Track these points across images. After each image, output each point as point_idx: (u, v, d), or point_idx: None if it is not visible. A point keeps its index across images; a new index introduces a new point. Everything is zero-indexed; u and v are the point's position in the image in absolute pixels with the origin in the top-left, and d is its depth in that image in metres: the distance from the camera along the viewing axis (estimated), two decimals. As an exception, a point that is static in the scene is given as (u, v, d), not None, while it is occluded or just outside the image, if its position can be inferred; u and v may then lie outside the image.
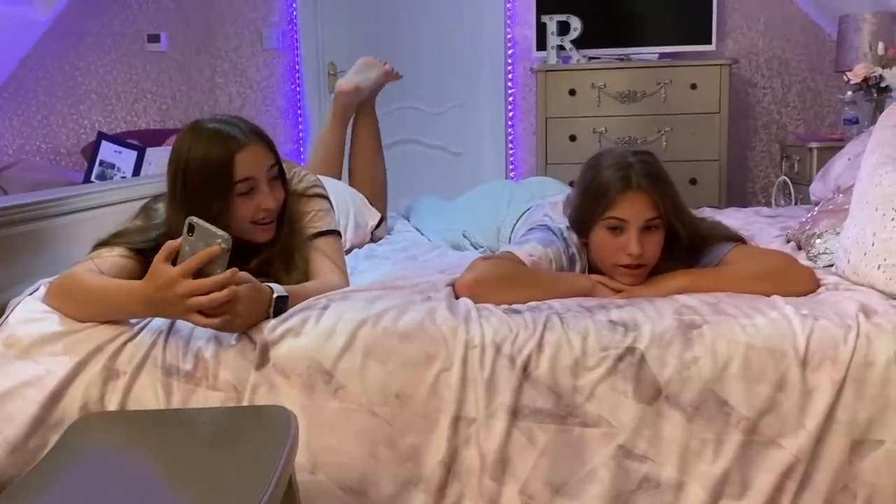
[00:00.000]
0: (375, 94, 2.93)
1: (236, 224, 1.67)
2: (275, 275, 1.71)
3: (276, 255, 1.75)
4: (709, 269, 1.73)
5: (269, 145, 1.72)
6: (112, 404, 1.51)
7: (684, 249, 1.74)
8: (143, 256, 1.67)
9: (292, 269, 1.75)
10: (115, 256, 1.67)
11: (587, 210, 1.71)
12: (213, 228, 1.45)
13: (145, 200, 1.86)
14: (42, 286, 1.69)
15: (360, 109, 2.89)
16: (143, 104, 4.65)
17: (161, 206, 1.76)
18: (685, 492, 1.42)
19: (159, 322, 1.58)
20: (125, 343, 1.54)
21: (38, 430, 1.51)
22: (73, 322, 1.58)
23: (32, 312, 1.60)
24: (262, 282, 1.56)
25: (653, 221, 1.67)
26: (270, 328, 1.51)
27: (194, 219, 1.46)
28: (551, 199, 2.18)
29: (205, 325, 1.47)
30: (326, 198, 1.92)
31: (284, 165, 1.82)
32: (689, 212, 1.78)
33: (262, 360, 1.49)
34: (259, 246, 1.74)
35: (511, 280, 1.66)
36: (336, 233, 1.88)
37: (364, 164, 2.83)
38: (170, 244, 1.47)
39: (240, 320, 1.48)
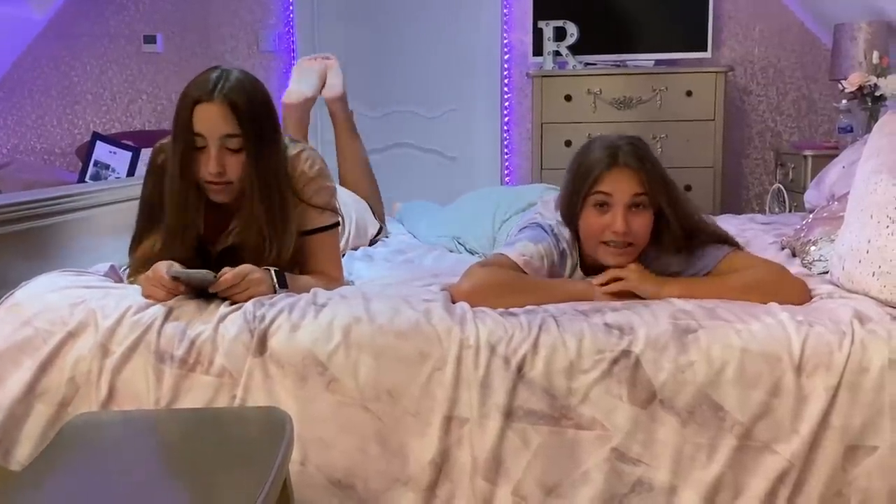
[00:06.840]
0: (340, 100, 2.74)
1: (197, 175, 1.70)
2: (248, 255, 1.72)
3: (244, 230, 1.73)
4: (702, 278, 1.74)
5: (237, 114, 1.66)
6: (102, 382, 1.52)
7: (676, 238, 1.74)
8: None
9: (269, 250, 1.73)
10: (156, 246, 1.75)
11: (574, 190, 1.73)
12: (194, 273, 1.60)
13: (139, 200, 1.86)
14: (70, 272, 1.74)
15: (336, 125, 2.79)
16: (138, 105, 4.64)
17: None
18: (678, 496, 1.42)
19: (157, 307, 1.58)
20: (120, 320, 1.55)
21: (25, 397, 1.53)
22: (75, 294, 1.62)
23: (40, 285, 1.65)
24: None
25: (639, 198, 1.68)
26: (270, 319, 1.52)
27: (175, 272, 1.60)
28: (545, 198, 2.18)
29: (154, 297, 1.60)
30: (333, 187, 1.90)
31: (294, 146, 1.82)
32: (682, 197, 1.78)
33: (260, 348, 1.50)
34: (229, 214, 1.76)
35: (508, 287, 1.66)
36: (336, 224, 1.88)
37: (350, 183, 2.74)
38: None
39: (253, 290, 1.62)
